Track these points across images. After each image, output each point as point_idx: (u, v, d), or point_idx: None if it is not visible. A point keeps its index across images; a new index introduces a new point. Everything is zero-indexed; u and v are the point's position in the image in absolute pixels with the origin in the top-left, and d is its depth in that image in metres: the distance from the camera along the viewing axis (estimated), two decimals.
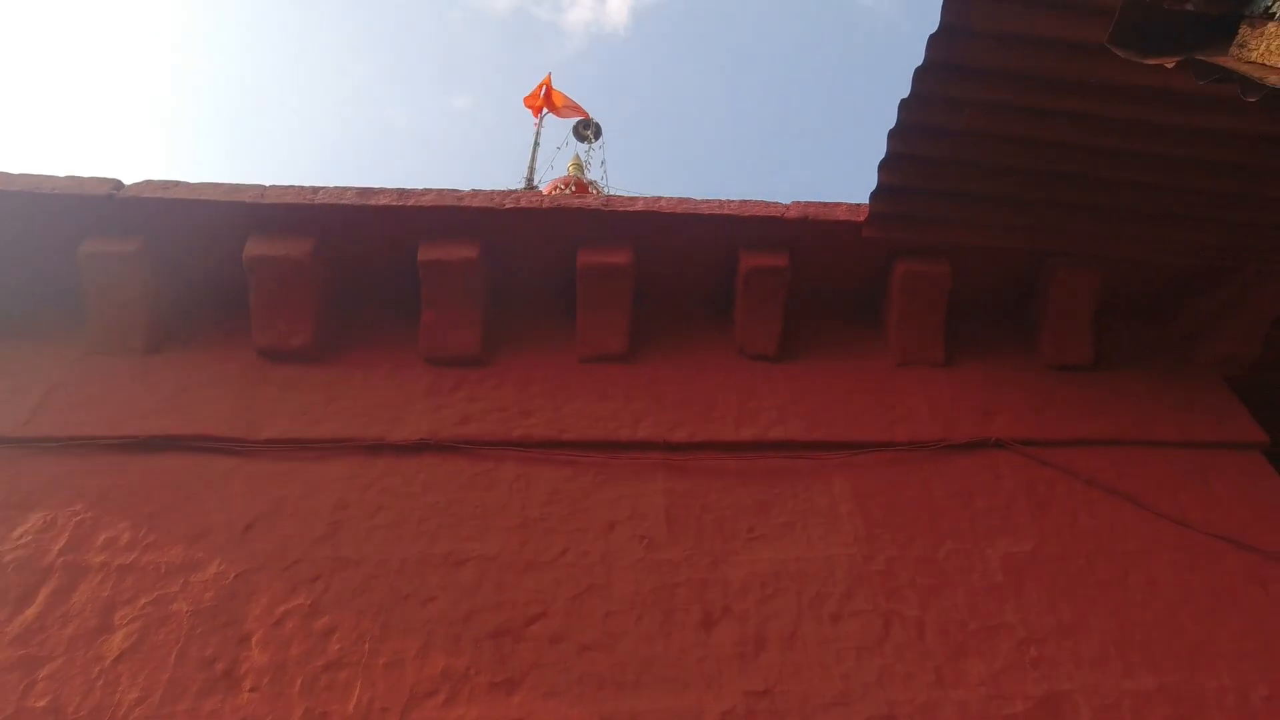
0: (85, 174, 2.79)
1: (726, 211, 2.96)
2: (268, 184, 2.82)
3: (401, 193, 2.85)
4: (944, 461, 2.86)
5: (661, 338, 3.16)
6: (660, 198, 3.00)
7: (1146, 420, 3.03)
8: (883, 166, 2.74)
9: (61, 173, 2.81)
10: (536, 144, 11.17)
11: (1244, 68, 1.59)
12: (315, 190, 2.80)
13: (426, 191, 2.88)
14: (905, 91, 2.46)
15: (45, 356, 2.85)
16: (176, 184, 2.80)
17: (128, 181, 2.84)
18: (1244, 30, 1.59)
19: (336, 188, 2.80)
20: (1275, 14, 1.51)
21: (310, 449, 2.67)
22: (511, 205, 2.89)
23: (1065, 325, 3.19)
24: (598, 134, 12.41)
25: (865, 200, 2.93)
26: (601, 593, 2.41)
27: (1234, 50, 1.61)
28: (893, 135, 2.63)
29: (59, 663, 2.10)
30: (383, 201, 2.81)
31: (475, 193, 2.91)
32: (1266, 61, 1.55)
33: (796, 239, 3.04)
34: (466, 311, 2.95)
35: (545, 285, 3.14)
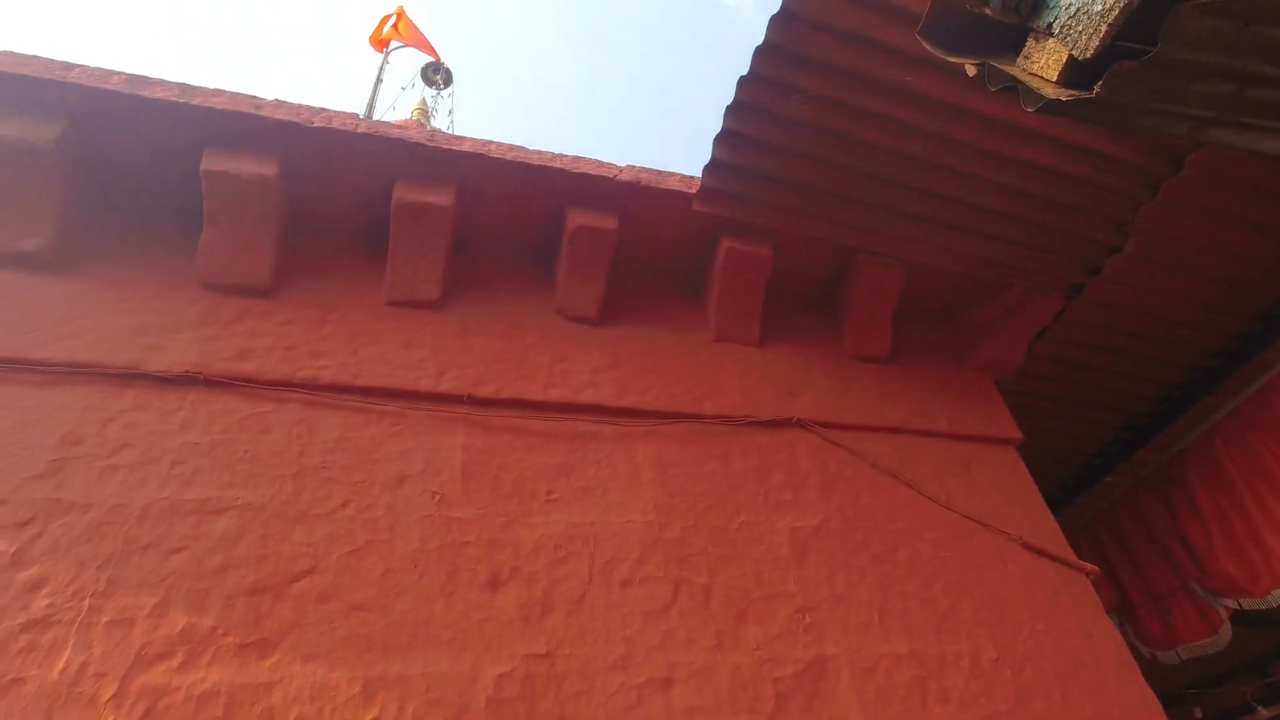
0: None
1: (558, 165, 2.85)
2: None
3: (185, 88, 2.47)
4: (746, 437, 2.94)
5: (478, 289, 3.00)
6: (490, 141, 2.83)
7: (926, 412, 3.30)
8: (717, 141, 2.75)
9: None
10: (379, 79, 10.31)
11: (1026, 78, 1.71)
12: (68, 67, 2.35)
13: (219, 93, 2.52)
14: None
15: None
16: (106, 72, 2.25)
17: None
18: (1030, 42, 1.71)
19: (98, 69, 2.37)
20: (1054, 31, 1.62)
21: (35, 371, 2.26)
22: (322, 124, 2.60)
23: (868, 319, 3.39)
24: (448, 80, 11.71)
25: (699, 175, 2.94)
26: (382, 549, 2.24)
27: (1020, 60, 1.73)
28: (729, 111, 2.65)
29: None
30: (159, 94, 2.42)
31: (279, 103, 2.59)
32: (1044, 75, 1.68)
33: (627, 203, 2.99)
34: (257, 235, 2.63)
35: (355, 219, 2.87)
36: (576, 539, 2.44)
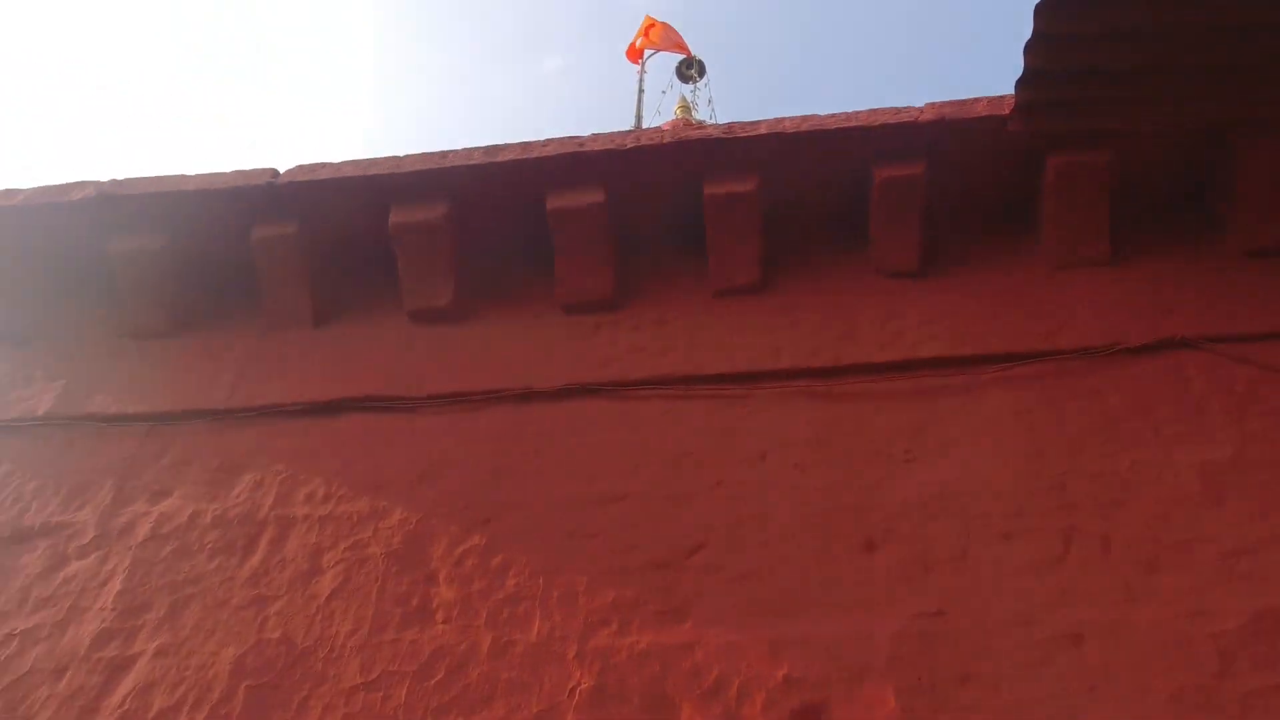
0: (249, 167, 3.02)
1: (855, 123, 2.80)
2: (401, 154, 2.95)
3: (524, 145, 2.89)
4: (1117, 368, 2.64)
5: (795, 264, 3.07)
6: (783, 118, 2.88)
7: None
8: (1029, 49, 2.49)
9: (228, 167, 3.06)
10: (641, 90, 10.97)
11: None
12: (444, 154, 2.89)
13: (548, 141, 2.91)
14: None
15: (233, 336, 3.15)
16: (322, 165, 2.98)
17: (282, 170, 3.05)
18: None
19: (464, 149, 2.89)
20: None
21: (466, 402, 2.83)
22: (633, 145, 2.87)
23: (1258, 203, 2.81)
24: (701, 72, 12.00)
25: (1007, 92, 2.69)
26: (758, 522, 2.43)
27: None
28: (1040, 11, 2.38)
29: (283, 601, 2.38)
30: (508, 156, 2.87)
31: (595, 136, 2.91)
32: None
33: (933, 142, 2.84)
34: (598, 256, 2.99)
35: (673, 222, 3.11)
36: (944, 496, 2.41)
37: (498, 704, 2.12)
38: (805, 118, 2.87)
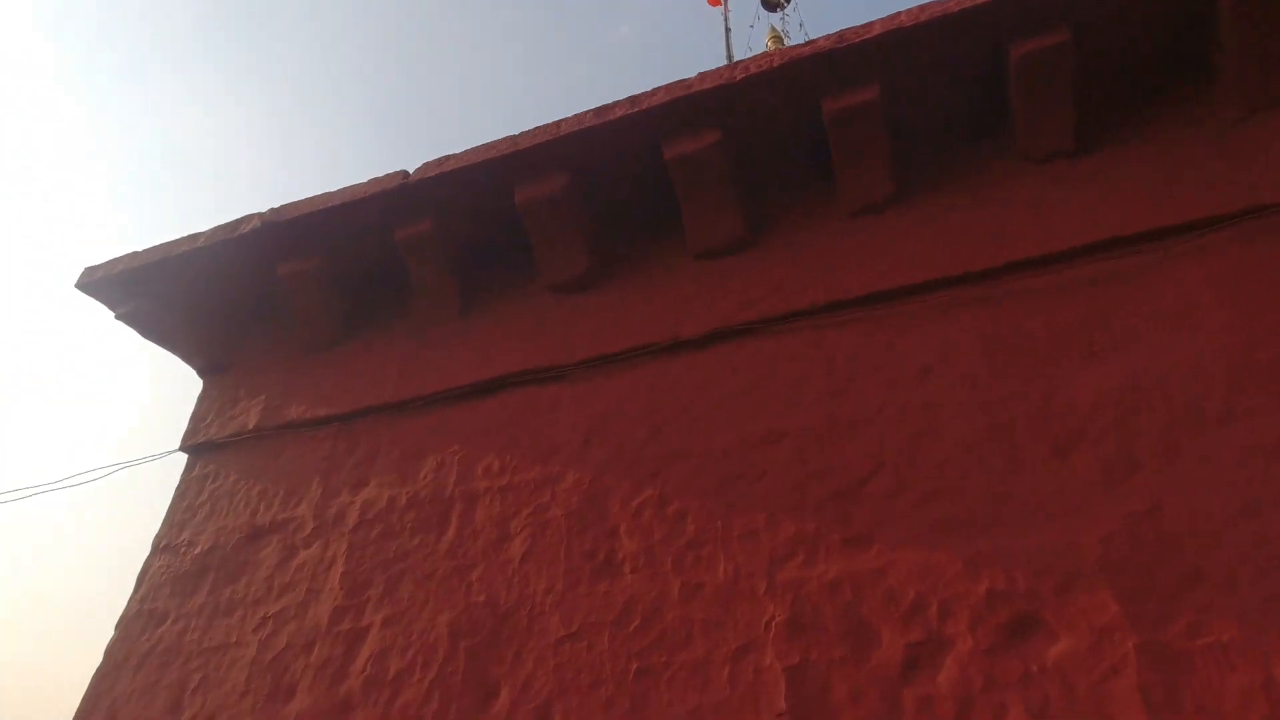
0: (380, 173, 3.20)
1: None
2: (517, 133, 3.01)
3: (633, 99, 2.87)
4: None
5: (931, 169, 2.88)
6: (898, 13, 2.68)
7: None
8: None
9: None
10: (728, 29, 10.58)
11: None
12: (557, 124, 2.93)
13: (655, 90, 2.87)
14: None
15: (392, 335, 3.38)
16: (446, 157, 3.10)
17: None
18: None
19: (575, 116, 2.91)
20: None
21: (617, 362, 2.89)
22: (743, 75, 2.77)
23: None
24: None
25: None
26: (933, 439, 2.33)
27: None
28: None
29: (481, 568, 2.56)
30: (619, 113, 2.86)
31: (702, 75, 2.84)
32: None
33: (1071, 5, 2.55)
34: (722, 197, 2.94)
35: (795, 148, 3.00)
36: (1140, 388, 2.21)
37: (697, 644, 2.19)
38: (922, 7, 2.66)
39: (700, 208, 2.96)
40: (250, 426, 3.35)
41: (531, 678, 2.28)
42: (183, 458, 3.45)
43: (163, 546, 3.15)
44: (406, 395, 3.14)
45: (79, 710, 2.77)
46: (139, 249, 3.53)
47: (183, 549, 3.09)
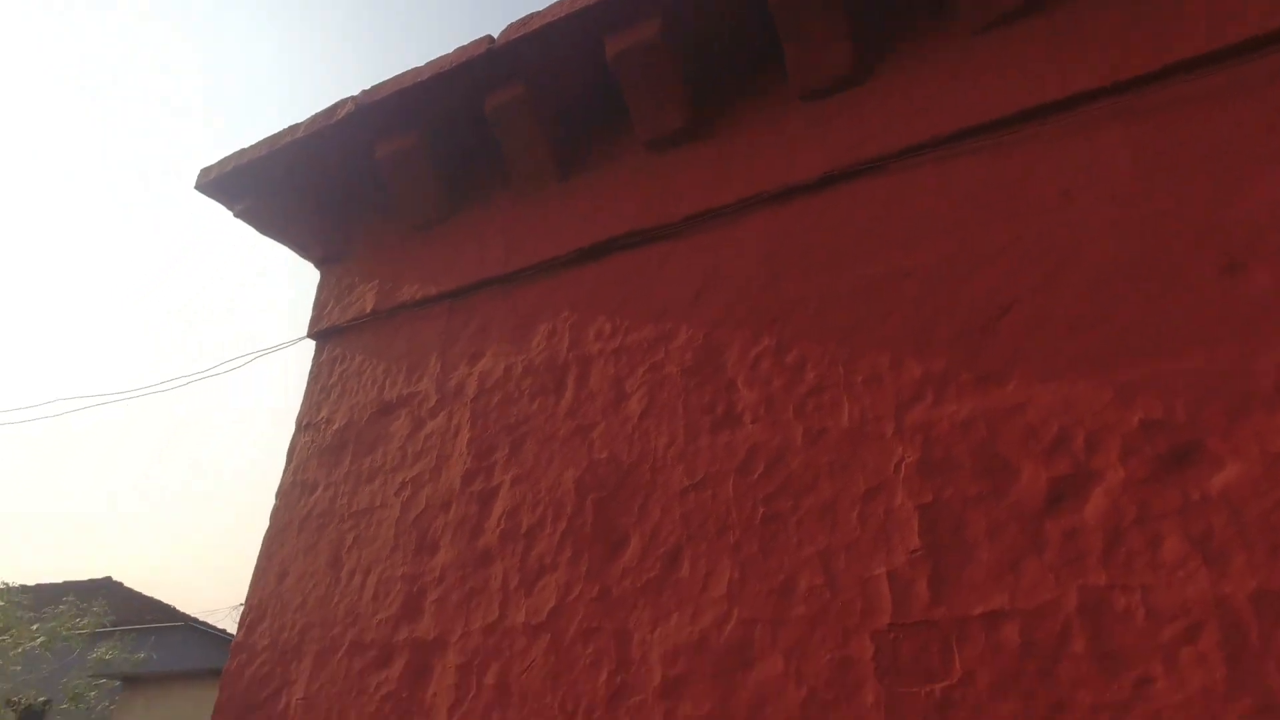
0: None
1: None
2: None
3: None
4: None
5: None
6: None
7: None
8: None
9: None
10: None
11: None
12: None
13: None
14: None
15: (493, 208, 3.37)
16: (531, 15, 2.96)
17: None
18: None
19: None
20: None
21: (725, 214, 2.78)
22: None
23: None
24: None
25: None
26: (1075, 266, 2.14)
27: None
28: None
29: (601, 427, 2.61)
30: None
31: None
32: None
33: None
34: (829, 30, 2.68)
35: None
36: None
37: (823, 487, 2.17)
38: None
39: (804, 43, 2.72)
40: (368, 310, 3.47)
41: (659, 526, 2.34)
42: (311, 344, 3.65)
43: (305, 424, 3.38)
44: (514, 266, 3.16)
45: (257, 567, 3.08)
46: (246, 146, 3.62)
47: (322, 426, 3.31)
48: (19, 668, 14.61)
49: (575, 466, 2.58)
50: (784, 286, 2.54)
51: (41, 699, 15.24)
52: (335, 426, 3.27)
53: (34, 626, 15.54)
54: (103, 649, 16.49)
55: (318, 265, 3.87)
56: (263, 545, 3.12)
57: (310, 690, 2.67)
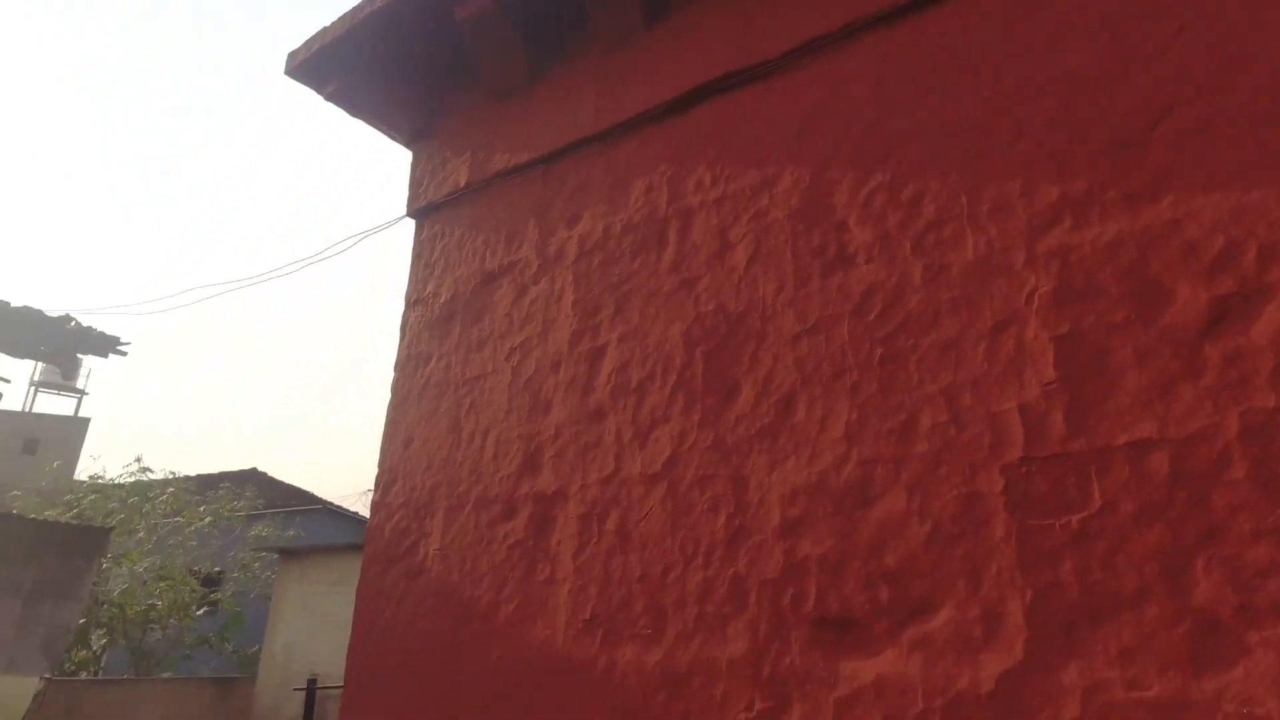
0: None
1: None
2: None
3: None
4: None
5: None
6: None
7: None
8: None
9: None
10: None
11: None
12: None
13: None
14: None
15: (578, 66, 3.23)
16: None
17: None
18: None
19: None
20: None
21: (826, 46, 2.55)
22: None
23: None
24: None
25: None
26: (1251, 63, 1.84)
27: None
28: None
29: (706, 279, 2.55)
30: None
31: None
32: None
33: None
34: None
35: None
36: None
37: (945, 324, 2.06)
38: None
39: None
40: (462, 183, 3.46)
41: (771, 374, 2.31)
42: (411, 223, 3.70)
43: (414, 300, 3.48)
44: (605, 124, 3.05)
45: (384, 436, 3.28)
46: (327, 24, 3.57)
47: (430, 300, 3.40)
48: (195, 543, 16.64)
49: (682, 320, 2.55)
50: (895, 118, 2.33)
51: (216, 569, 17.41)
52: (442, 300, 3.35)
53: (201, 509, 17.54)
54: (258, 528, 18.52)
55: (409, 144, 3.86)
56: (387, 415, 3.31)
57: (444, 542, 2.88)
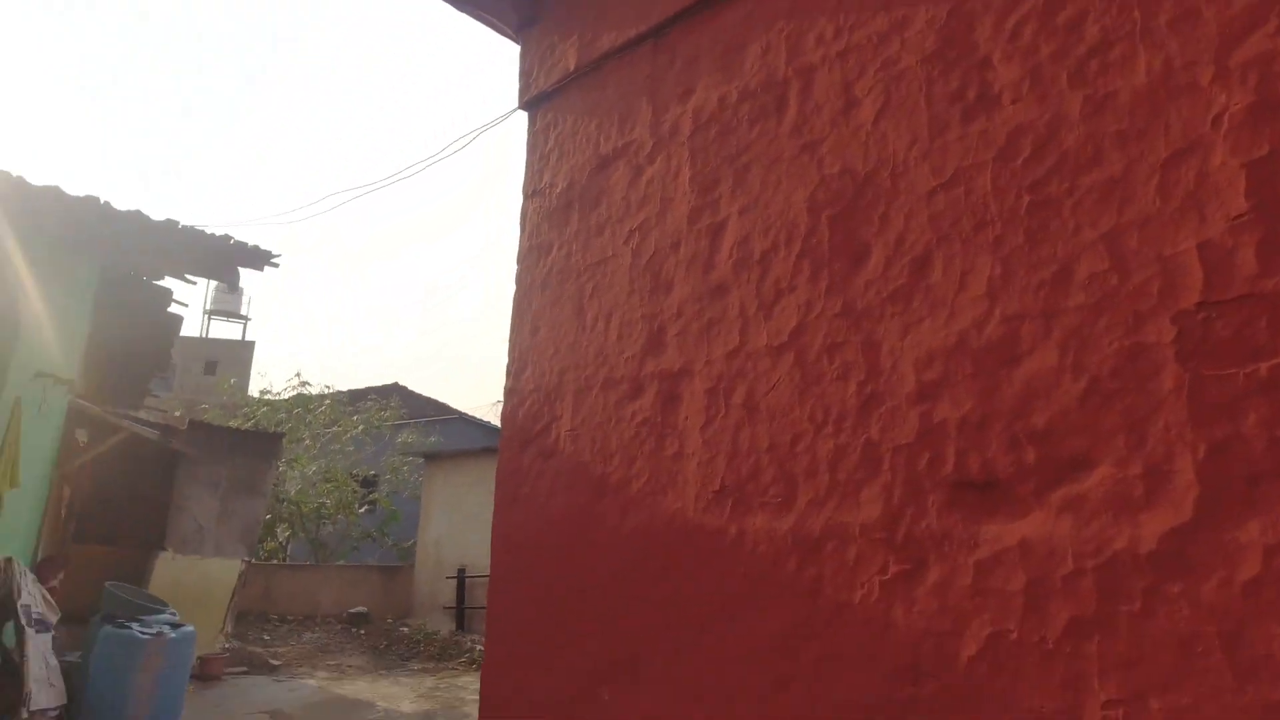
0: None
1: None
2: None
3: None
4: None
5: None
6: None
7: None
8: None
9: None
10: None
11: None
12: None
13: None
14: None
15: None
16: None
17: None
18: None
19: None
20: None
21: None
22: None
23: None
24: None
25: None
26: None
27: None
28: None
29: (830, 140, 2.39)
30: None
31: None
32: None
33: None
34: None
35: None
36: None
37: (1109, 161, 1.83)
38: None
39: None
40: (571, 68, 3.39)
41: (904, 234, 2.16)
42: (524, 116, 3.69)
43: (531, 192, 3.50)
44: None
45: (512, 326, 3.39)
46: None
47: (546, 190, 3.41)
48: (352, 449, 18.33)
49: (805, 186, 2.43)
50: None
51: (371, 472, 19.18)
52: (558, 189, 3.35)
53: (354, 418, 19.21)
54: (404, 436, 20.12)
55: (515, 35, 3.81)
56: (513, 305, 3.41)
57: (575, 423, 2.98)
